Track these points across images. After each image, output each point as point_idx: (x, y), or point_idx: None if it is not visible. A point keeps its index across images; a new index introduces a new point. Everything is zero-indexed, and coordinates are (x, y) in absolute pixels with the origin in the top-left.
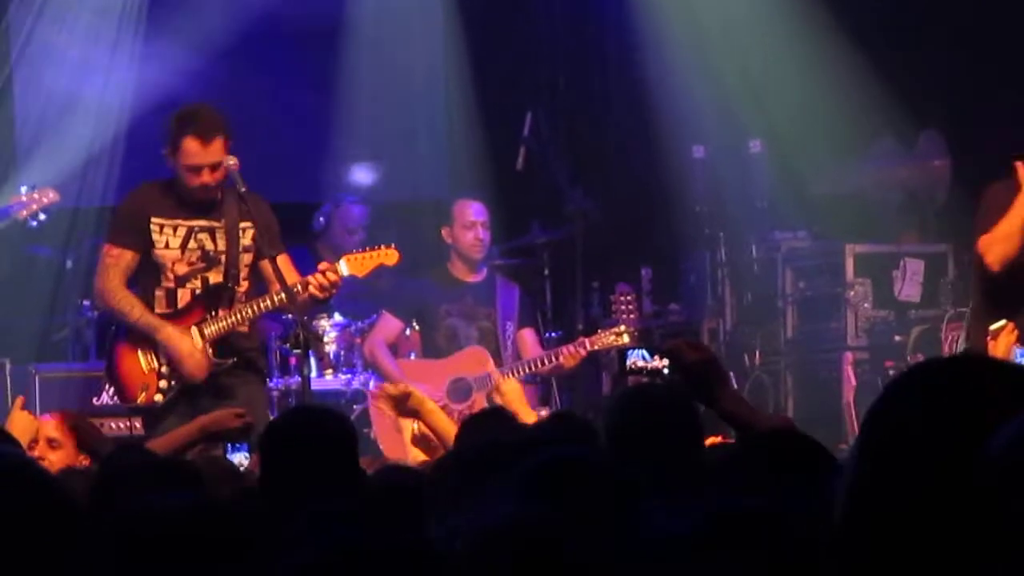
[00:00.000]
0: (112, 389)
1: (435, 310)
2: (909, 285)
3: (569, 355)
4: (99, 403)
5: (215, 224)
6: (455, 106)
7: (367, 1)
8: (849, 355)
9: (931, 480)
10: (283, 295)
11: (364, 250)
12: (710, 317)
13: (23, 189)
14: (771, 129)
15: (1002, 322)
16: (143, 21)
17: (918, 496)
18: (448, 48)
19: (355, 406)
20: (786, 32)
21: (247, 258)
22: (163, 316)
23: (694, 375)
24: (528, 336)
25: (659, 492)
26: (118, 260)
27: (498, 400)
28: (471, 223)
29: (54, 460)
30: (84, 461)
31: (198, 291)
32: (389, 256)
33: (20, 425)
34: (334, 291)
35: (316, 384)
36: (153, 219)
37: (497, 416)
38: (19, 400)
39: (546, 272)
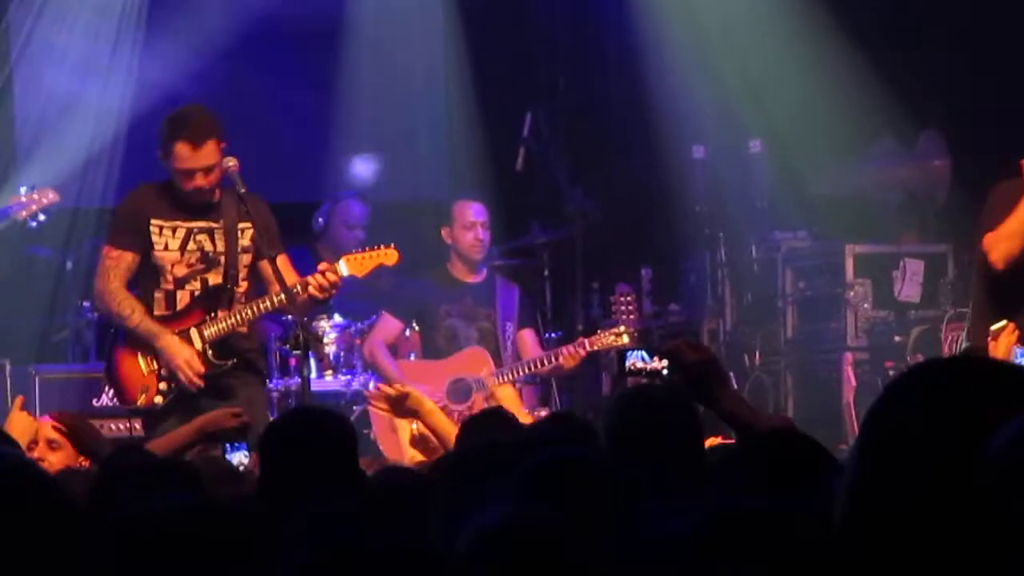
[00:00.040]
0: (112, 391)
1: (435, 311)
2: (909, 285)
3: (569, 356)
4: (99, 404)
5: (214, 225)
6: (455, 106)
7: (367, 1)
8: (849, 355)
9: (931, 480)
10: (282, 296)
11: (363, 250)
12: (710, 317)
13: (23, 189)
14: (771, 129)
15: (1003, 322)
16: (143, 21)
17: (918, 496)
18: (448, 48)
19: (355, 407)
20: (786, 32)
21: (246, 259)
22: (162, 318)
23: (694, 376)
24: (528, 337)
25: (659, 493)
26: (118, 262)
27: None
28: (471, 223)
29: (54, 461)
30: (84, 462)
31: (197, 293)
32: (389, 256)
33: (19, 426)
34: (334, 291)
35: (316, 385)
36: (152, 221)
37: (498, 417)
38: (18, 401)
39: (546, 272)
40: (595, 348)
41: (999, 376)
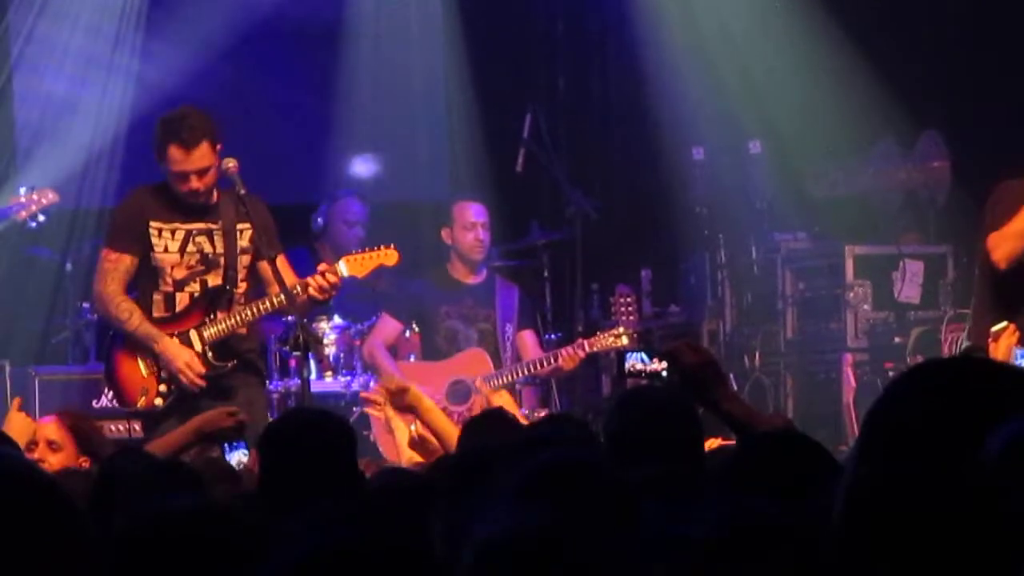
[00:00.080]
0: (111, 393)
1: (434, 312)
2: (909, 286)
3: (568, 357)
4: (99, 406)
5: (213, 226)
6: (455, 106)
7: (367, 1)
8: (849, 356)
9: (931, 480)
10: (282, 297)
11: (364, 251)
12: (710, 318)
13: (22, 190)
14: (771, 130)
15: (1003, 323)
16: (143, 21)
17: (918, 496)
18: (448, 48)
19: (355, 408)
20: (786, 33)
21: (245, 259)
22: (161, 320)
23: (693, 377)
24: (528, 338)
25: (659, 495)
26: (116, 265)
27: None
28: (471, 224)
29: (54, 462)
30: (84, 463)
31: (196, 294)
32: (389, 257)
33: (17, 427)
34: (334, 292)
35: (316, 386)
36: (151, 223)
37: (499, 419)
38: (16, 402)
39: (546, 274)
40: (595, 349)
41: (998, 376)
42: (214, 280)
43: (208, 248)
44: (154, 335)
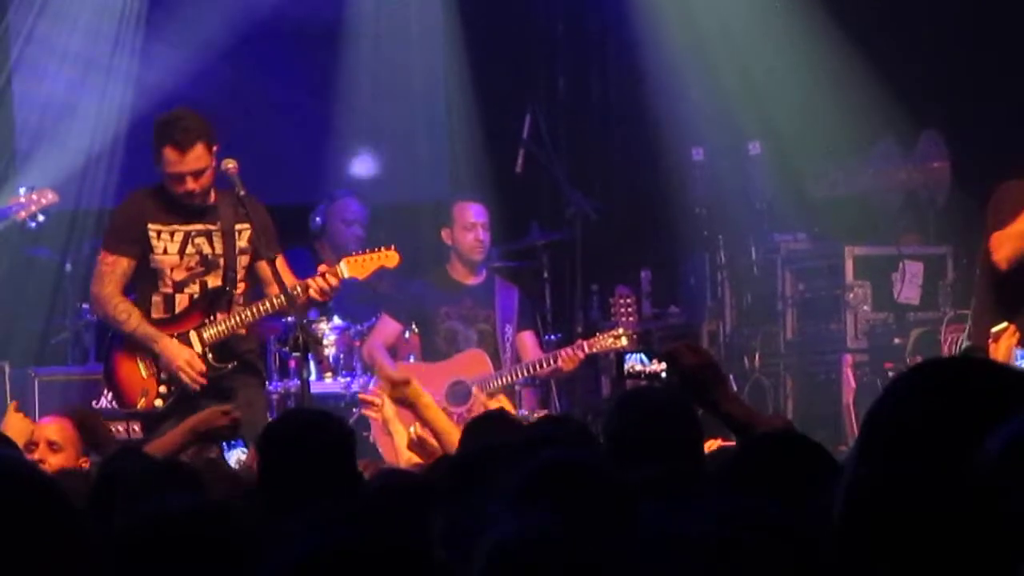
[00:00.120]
0: (111, 394)
1: (434, 312)
2: (908, 287)
3: (567, 358)
4: (98, 407)
5: (211, 227)
6: (455, 107)
7: (367, 1)
8: (849, 357)
9: (930, 480)
10: (282, 298)
11: (365, 252)
12: (710, 319)
13: (22, 190)
14: (770, 131)
15: (1004, 324)
16: (143, 22)
17: (918, 496)
18: (448, 49)
19: (354, 409)
20: (785, 33)
21: (244, 260)
22: (160, 321)
23: (693, 378)
24: (527, 339)
25: (659, 495)
26: (114, 267)
27: None
28: (471, 224)
29: (54, 463)
30: (84, 464)
31: (196, 295)
32: (390, 258)
33: (15, 428)
34: (334, 294)
35: (315, 387)
36: (150, 226)
37: (501, 420)
38: (13, 404)
39: (545, 274)
40: (594, 350)
41: (997, 376)
42: (214, 281)
43: (207, 249)
44: (153, 335)
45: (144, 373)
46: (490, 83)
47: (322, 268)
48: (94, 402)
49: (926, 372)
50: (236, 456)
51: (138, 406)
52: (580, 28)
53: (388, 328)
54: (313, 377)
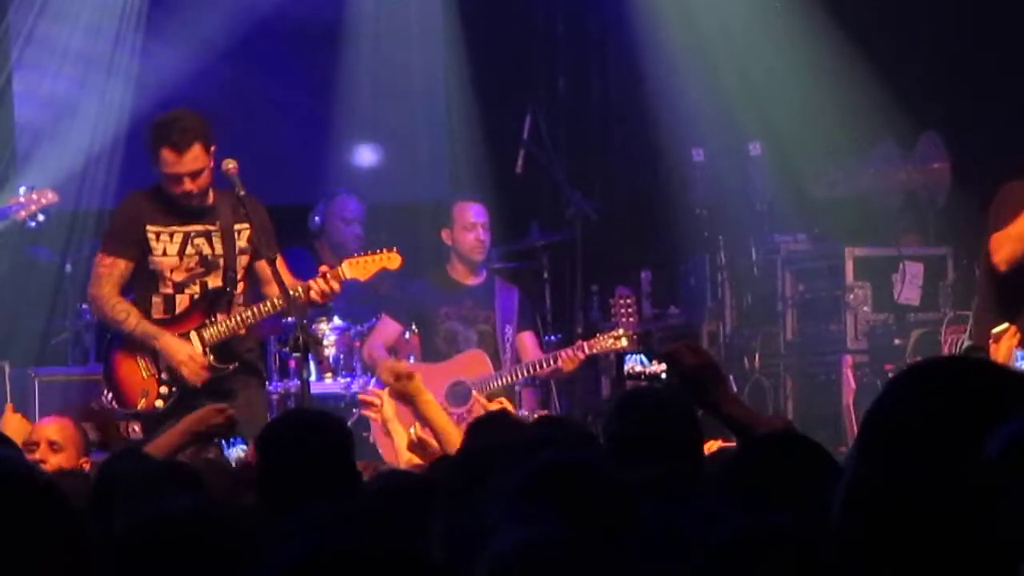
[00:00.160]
0: (111, 395)
1: (434, 313)
2: (908, 288)
3: (567, 359)
4: (98, 407)
5: (210, 228)
6: (455, 106)
7: (367, 1)
8: (849, 358)
9: (930, 480)
10: (282, 300)
11: (366, 254)
12: (710, 320)
13: (21, 190)
14: (771, 131)
15: (1004, 325)
16: (143, 21)
17: (917, 496)
18: (448, 49)
19: (354, 410)
20: (786, 34)
21: (243, 260)
22: (161, 322)
23: (693, 379)
24: (527, 339)
25: (659, 496)
26: (111, 269)
27: None
28: (471, 224)
29: (55, 463)
30: (85, 464)
31: (196, 296)
32: (392, 260)
33: (12, 427)
34: (333, 297)
35: (315, 388)
36: (149, 227)
37: (504, 421)
38: (9, 405)
39: (545, 275)
40: (594, 351)
41: (997, 376)
42: (214, 282)
43: (207, 250)
44: (154, 332)
45: (144, 374)
46: (490, 83)
47: (323, 269)
48: (93, 403)
49: (925, 372)
50: (236, 454)
51: (138, 407)
52: (580, 28)
53: (388, 329)
54: (313, 377)
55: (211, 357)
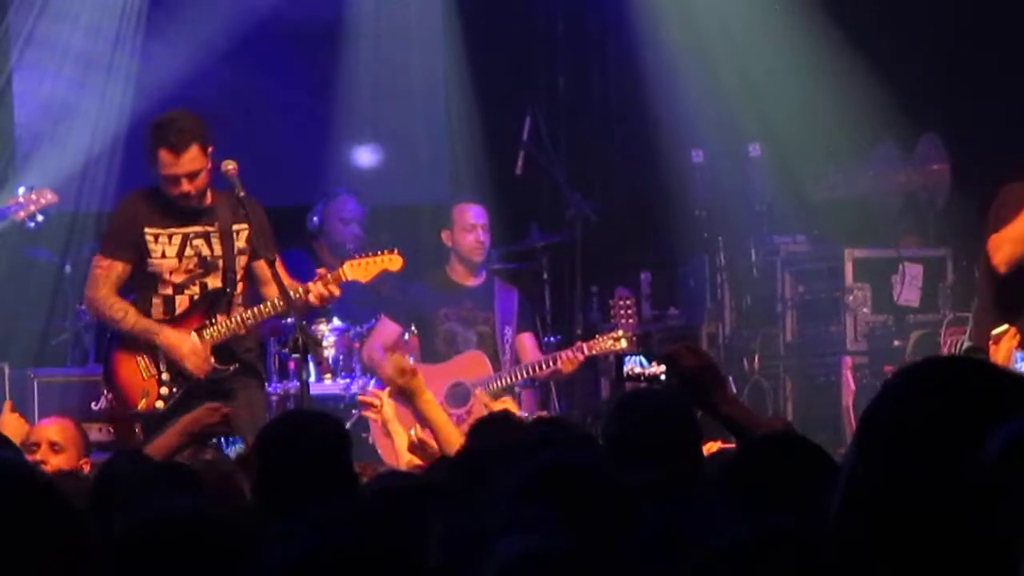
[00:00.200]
0: (111, 395)
1: (433, 314)
2: (908, 290)
3: (567, 360)
4: (97, 408)
5: (209, 229)
6: (455, 107)
7: (367, 2)
8: (848, 359)
9: (929, 480)
10: (282, 301)
11: (367, 255)
12: (709, 321)
13: (21, 190)
14: (770, 133)
15: (1004, 327)
16: (143, 22)
17: (916, 496)
18: (448, 49)
19: (354, 411)
20: (785, 35)
21: (242, 260)
22: (160, 323)
23: (692, 380)
24: (527, 340)
25: (658, 498)
26: (108, 271)
27: None
28: (471, 226)
29: (55, 464)
30: (85, 465)
31: (196, 297)
32: (393, 262)
33: (10, 427)
34: (332, 301)
35: (315, 389)
36: (147, 230)
37: (506, 422)
38: (7, 404)
39: (545, 276)
40: (593, 352)
41: (996, 376)
42: (213, 282)
43: (206, 251)
44: (153, 328)
45: (144, 374)
46: (490, 83)
47: (322, 271)
48: (94, 403)
49: (924, 372)
50: (236, 452)
51: (139, 407)
52: (580, 28)
53: (387, 330)
54: (312, 379)
55: (212, 359)
